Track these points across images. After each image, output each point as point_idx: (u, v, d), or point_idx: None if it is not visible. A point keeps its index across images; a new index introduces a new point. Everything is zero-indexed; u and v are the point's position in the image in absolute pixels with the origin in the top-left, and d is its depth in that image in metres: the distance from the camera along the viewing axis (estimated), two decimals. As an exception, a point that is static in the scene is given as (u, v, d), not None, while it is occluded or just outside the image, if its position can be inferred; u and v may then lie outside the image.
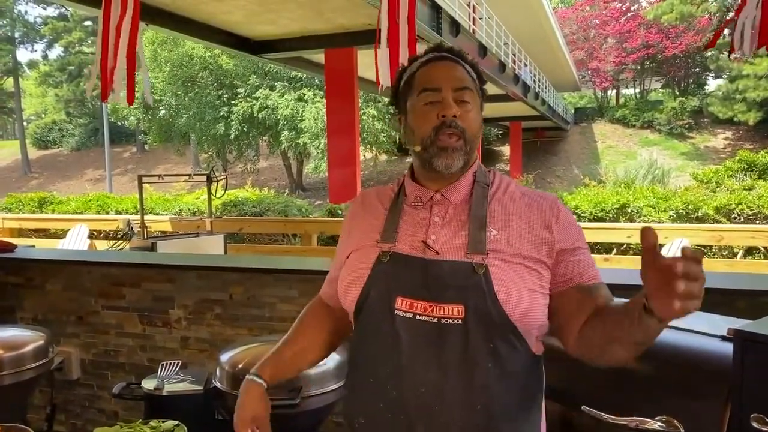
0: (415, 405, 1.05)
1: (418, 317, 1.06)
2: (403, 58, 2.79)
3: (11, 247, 3.40)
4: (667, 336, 1.37)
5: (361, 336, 1.15)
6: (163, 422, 1.35)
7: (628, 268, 6.59)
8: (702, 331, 1.34)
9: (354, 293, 1.13)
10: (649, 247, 0.83)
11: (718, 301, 1.94)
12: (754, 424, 1.10)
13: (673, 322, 1.38)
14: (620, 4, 31.79)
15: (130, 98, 3.30)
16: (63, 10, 35.41)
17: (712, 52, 27.25)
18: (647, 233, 0.83)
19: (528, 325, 1.07)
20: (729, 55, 25.26)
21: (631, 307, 0.93)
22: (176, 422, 1.35)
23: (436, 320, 1.05)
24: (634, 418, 1.23)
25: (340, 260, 1.25)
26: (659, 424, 1.22)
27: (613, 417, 1.25)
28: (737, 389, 1.14)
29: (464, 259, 1.06)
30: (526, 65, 18.22)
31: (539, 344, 1.14)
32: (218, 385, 1.88)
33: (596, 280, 1.11)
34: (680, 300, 0.79)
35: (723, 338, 1.27)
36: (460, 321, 1.04)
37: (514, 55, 16.09)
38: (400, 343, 1.07)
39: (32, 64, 38.58)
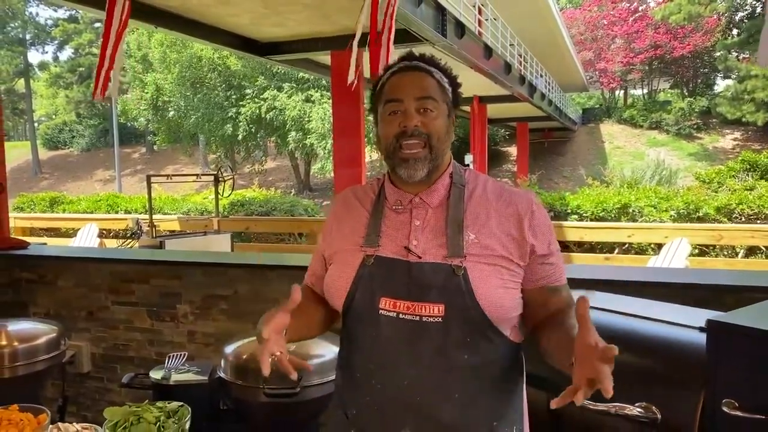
0: (399, 397, 1.13)
1: (401, 316, 1.13)
2: (383, 59, 2.86)
3: (24, 245, 3.49)
4: (648, 327, 1.45)
5: (348, 334, 1.22)
6: (168, 404, 1.43)
7: (627, 266, 6.70)
8: (682, 323, 1.40)
9: (341, 295, 1.20)
10: (583, 319, 0.94)
11: (708, 297, 2.01)
12: (725, 409, 1.16)
13: (656, 315, 1.47)
14: (628, 5, 31.61)
15: (95, 92, 3.22)
16: (73, 12, 35.67)
17: (721, 52, 27.08)
18: (582, 304, 0.94)
19: (504, 319, 1.15)
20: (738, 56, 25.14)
21: (566, 350, 1.01)
22: (181, 403, 1.43)
23: (418, 318, 1.12)
24: (615, 404, 1.29)
25: (320, 256, 1.31)
26: (638, 410, 1.28)
27: (594, 404, 1.31)
28: (711, 376, 1.20)
29: (444, 261, 1.13)
30: (535, 69, 18.18)
31: (518, 333, 1.21)
32: (222, 375, 1.95)
33: (561, 282, 1.20)
34: (599, 378, 0.91)
35: (701, 329, 1.33)
36: (440, 319, 1.11)
37: (520, 55, 16.05)
38: (383, 340, 1.14)
39: (43, 66, 38.91)
